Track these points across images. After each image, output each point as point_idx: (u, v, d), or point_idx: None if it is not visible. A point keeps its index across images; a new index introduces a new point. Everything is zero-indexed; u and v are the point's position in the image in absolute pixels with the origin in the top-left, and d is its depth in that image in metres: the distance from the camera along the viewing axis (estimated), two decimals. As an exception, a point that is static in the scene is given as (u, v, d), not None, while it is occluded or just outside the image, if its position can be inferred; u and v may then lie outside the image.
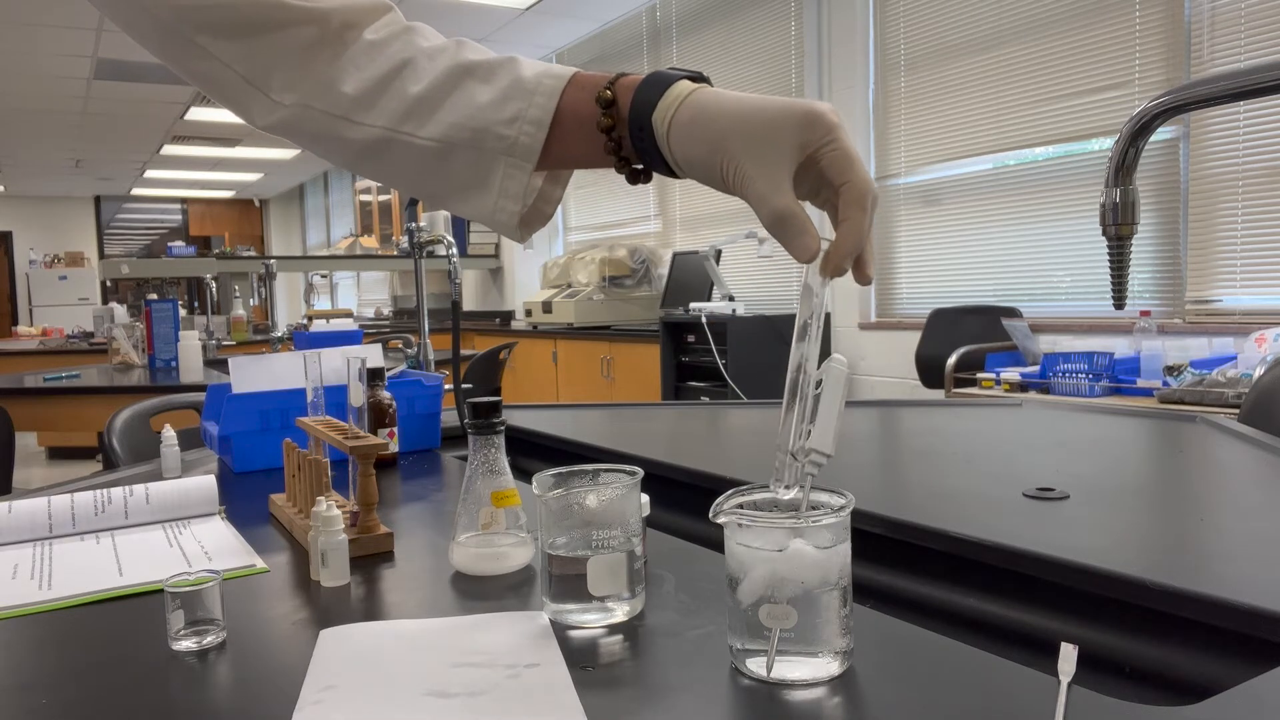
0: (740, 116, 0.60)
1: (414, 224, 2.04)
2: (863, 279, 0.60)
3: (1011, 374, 3.19)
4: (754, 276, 5.18)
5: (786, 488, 0.56)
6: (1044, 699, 0.50)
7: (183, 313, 5.05)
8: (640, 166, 0.67)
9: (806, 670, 0.54)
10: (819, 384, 0.56)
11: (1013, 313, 3.69)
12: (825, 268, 0.57)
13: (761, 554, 0.54)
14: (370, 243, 10.50)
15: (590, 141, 0.66)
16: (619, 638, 0.63)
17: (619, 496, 0.65)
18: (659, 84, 0.63)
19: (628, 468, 0.67)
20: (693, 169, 0.62)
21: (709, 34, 5.53)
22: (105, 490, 0.97)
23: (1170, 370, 2.85)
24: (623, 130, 0.65)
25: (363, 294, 11.50)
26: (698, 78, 0.64)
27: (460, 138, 0.68)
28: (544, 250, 7.07)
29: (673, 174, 0.65)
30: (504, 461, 0.79)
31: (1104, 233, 0.98)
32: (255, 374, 1.25)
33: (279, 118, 0.71)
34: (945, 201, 4.17)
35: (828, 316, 4.54)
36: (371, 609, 0.70)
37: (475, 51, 0.71)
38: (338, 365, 1.20)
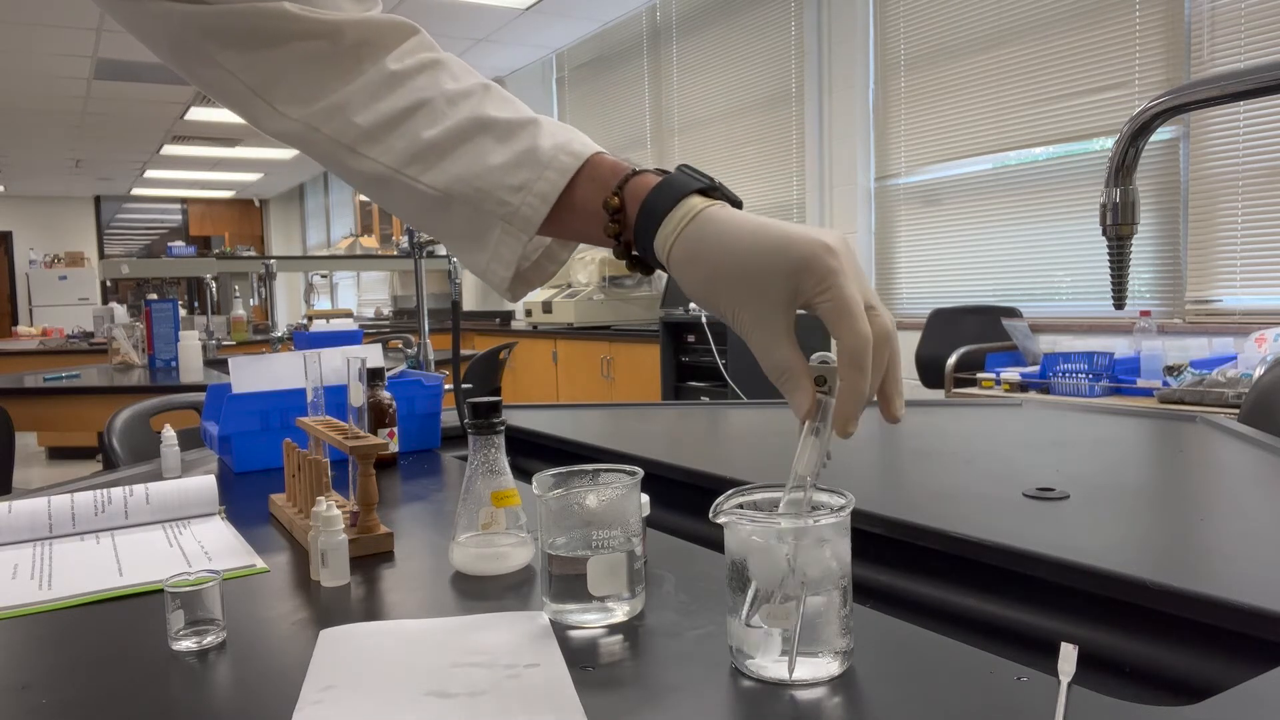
0: (734, 257, 0.57)
1: (414, 224, 2.03)
2: (890, 418, 0.57)
3: (1011, 374, 3.19)
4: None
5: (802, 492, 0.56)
6: (1044, 699, 0.50)
7: (183, 313, 5.05)
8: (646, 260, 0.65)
9: (806, 670, 0.54)
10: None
11: (1013, 313, 3.69)
12: (834, 427, 0.55)
13: (762, 554, 0.54)
14: (370, 243, 10.50)
15: (595, 231, 0.65)
16: (619, 638, 0.63)
17: (619, 496, 0.65)
18: (666, 198, 0.60)
19: (628, 468, 0.67)
20: (695, 301, 0.60)
21: (709, 34, 5.53)
22: (105, 490, 0.97)
23: (1170, 370, 2.85)
24: (629, 237, 0.63)
25: (363, 294, 11.51)
26: (710, 190, 0.61)
27: (462, 192, 0.67)
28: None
29: None
30: (504, 461, 0.79)
31: (1104, 233, 0.98)
32: (255, 374, 1.25)
33: (286, 129, 0.70)
34: (945, 201, 4.18)
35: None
36: (371, 609, 0.70)
37: (499, 106, 0.69)
38: (338, 365, 1.20)
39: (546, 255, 0.73)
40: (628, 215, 0.62)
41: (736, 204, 0.62)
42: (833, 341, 0.55)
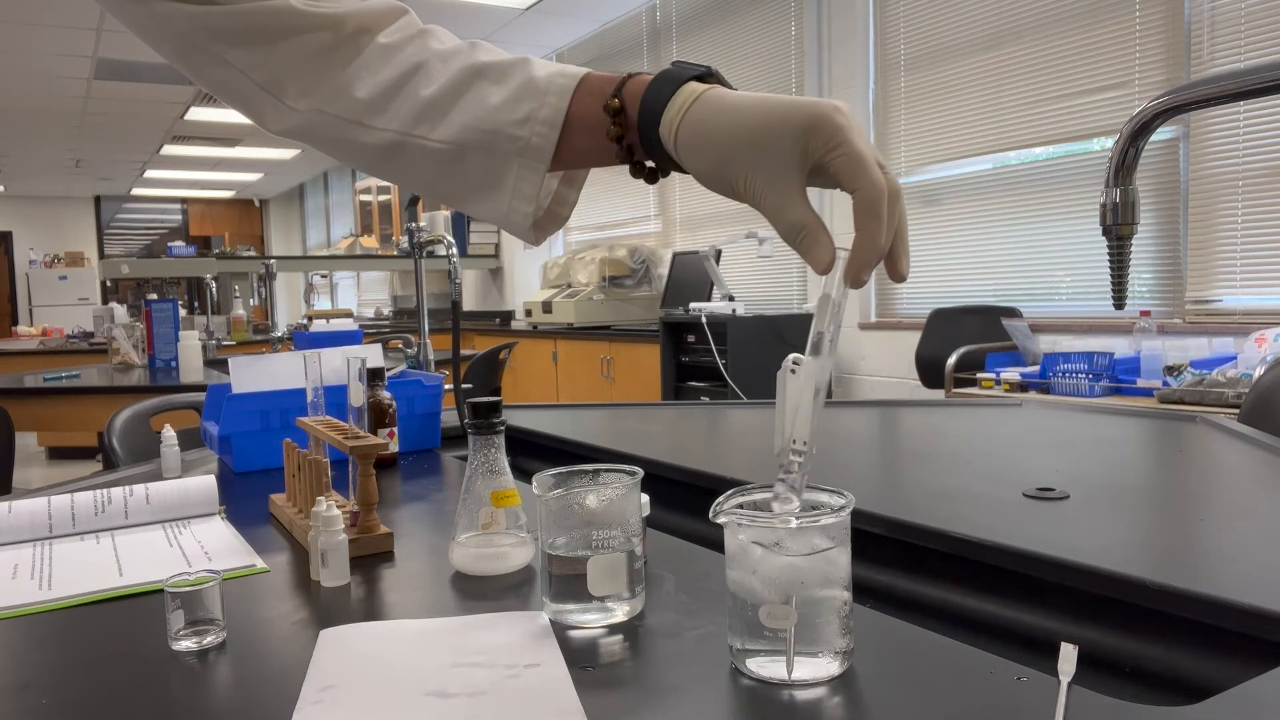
0: (743, 126, 0.58)
1: (414, 224, 2.04)
2: (895, 276, 0.57)
3: (1011, 374, 3.19)
4: (754, 276, 5.18)
5: (792, 488, 0.56)
6: (1044, 699, 0.50)
7: (183, 313, 5.05)
8: (654, 165, 0.66)
9: (806, 670, 0.54)
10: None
11: (1013, 313, 3.69)
12: (845, 278, 0.55)
13: (761, 554, 0.54)
14: (370, 243, 10.50)
15: (601, 145, 0.66)
16: (619, 638, 0.63)
17: (619, 496, 0.65)
18: (665, 88, 0.62)
19: (628, 468, 0.67)
20: (703, 179, 0.61)
21: (709, 34, 5.53)
22: (105, 490, 0.97)
23: (1170, 370, 2.85)
24: (632, 138, 0.64)
25: (363, 294, 11.50)
26: (706, 75, 0.63)
27: (472, 140, 0.68)
28: (544, 250, 7.07)
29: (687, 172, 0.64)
30: (504, 461, 0.79)
31: (1104, 233, 0.98)
32: (255, 374, 1.25)
33: (294, 123, 0.71)
34: (945, 201, 4.17)
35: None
36: (371, 609, 0.70)
37: (488, 53, 0.71)
38: (338, 365, 1.20)
39: (557, 200, 0.74)
40: (628, 115, 0.63)
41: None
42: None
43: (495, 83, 0.68)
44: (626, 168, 0.67)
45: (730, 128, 0.58)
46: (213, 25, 0.68)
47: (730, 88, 0.62)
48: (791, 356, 0.56)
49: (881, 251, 0.55)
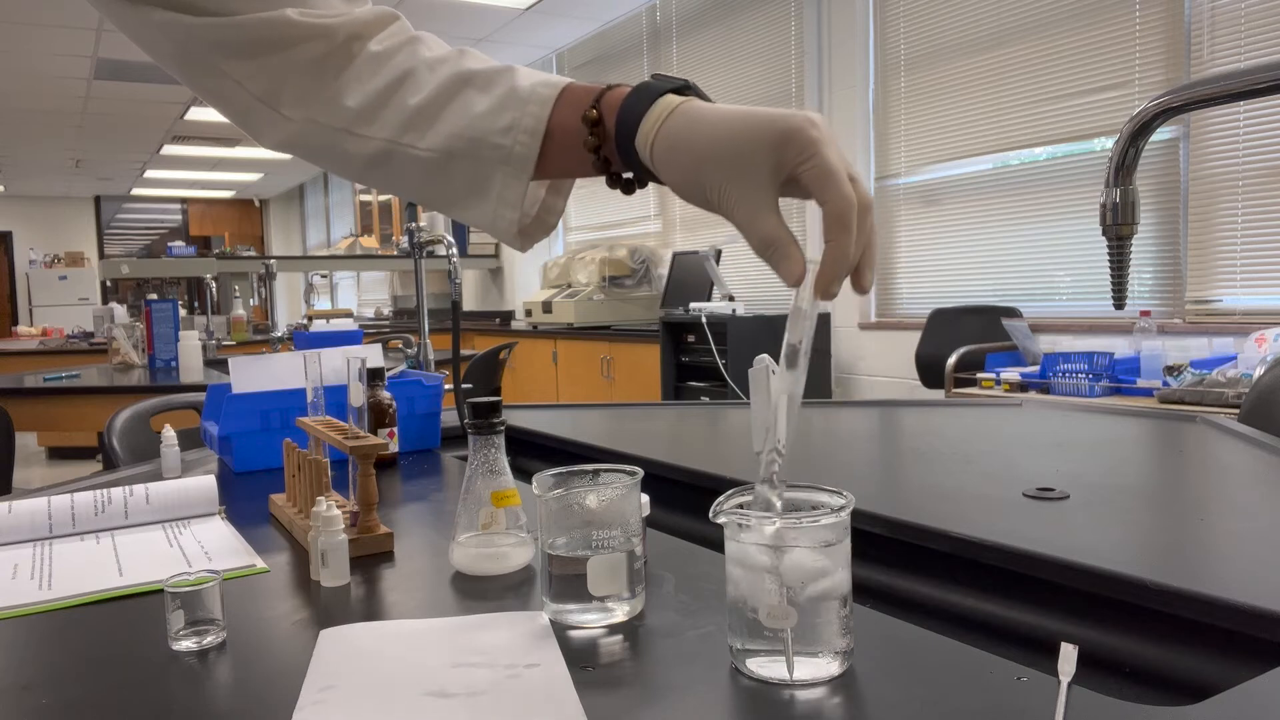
0: (716, 139, 0.58)
1: (414, 224, 2.04)
2: (859, 288, 0.58)
3: (1011, 374, 3.19)
4: (754, 276, 5.18)
5: (772, 486, 0.56)
6: (1044, 699, 0.50)
7: (183, 313, 5.05)
8: (631, 176, 0.66)
9: (806, 670, 0.54)
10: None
11: (1013, 313, 3.69)
12: (815, 290, 0.56)
13: (762, 554, 0.54)
14: (370, 243, 10.50)
15: (581, 156, 0.66)
16: (619, 638, 0.63)
17: (619, 496, 0.65)
18: (642, 100, 0.62)
19: (628, 468, 0.67)
20: (678, 190, 0.61)
21: (709, 34, 5.53)
22: (105, 490, 0.97)
23: (1170, 370, 2.85)
24: (609, 150, 0.65)
25: (363, 294, 11.50)
26: (683, 89, 0.63)
27: (458, 147, 0.69)
28: (544, 250, 7.07)
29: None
30: (504, 461, 0.79)
31: (1104, 233, 0.98)
32: (255, 374, 1.25)
33: (288, 133, 0.71)
34: (945, 201, 4.18)
35: (826, 317, 4.54)
36: (371, 609, 0.70)
37: (476, 60, 0.71)
38: (338, 365, 1.20)
39: (544, 208, 0.75)
40: (606, 126, 0.64)
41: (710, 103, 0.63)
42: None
43: (481, 90, 0.69)
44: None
45: (705, 139, 0.59)
46: (210, 36, 0.68)
47: (709, 101, 0.62)
48: (762, 357, 0.56)
49: (851, 264, 0.55)
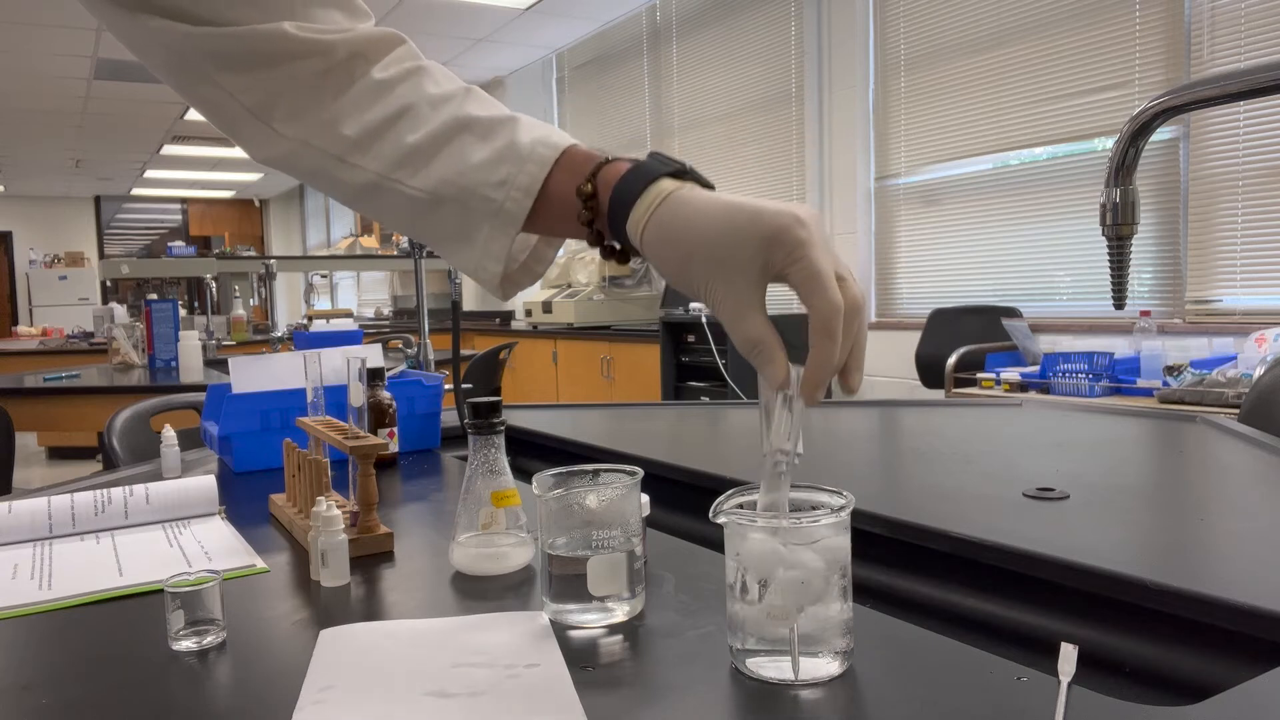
0: (705, 234, 0.57)
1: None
2: (846, 390, 0.57)
3: (1011, 374, 3.19)
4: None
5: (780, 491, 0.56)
6: (1044, 699, 0.50)
7: (183, 313, 5.05)
8: (621, 247, 0.66)
9: (807, 670, 0.54)
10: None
11: (1013, 313, 3.69)
12: (801, 394, 0.55)
13: (762, 554, 0.54)
14: (370, 243, 10.50)
15: (573, 223, 0.66)
16: (619, 638, 0.63)
17: (619, 496, 0.65)
18: (638, 182, 0.61)
19: (628, 468, 0.67)
20: (667, 279, 0.61)
21: (709, 34, 5.53)
22: (105, 490, 0.97)
23: (1170, 370, 2.85)
24: (602, 225, 0.64)
25: (363, 294, 11.50)
26: (680, 173, 0.62)
27: (448, 193, 0.68)
28: (544, 250, 7.06)
29: None
30: (504, 461, 0.79)
31: (1104, 233, 0.98)
32: (255, 374, 1.25)
33: (279, 151, 0.70)
34: (945, 201, 4.18)
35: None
36: (371, 609, 0.70)
37: (480, 105, 0.70)
38: (338, 365, 1.20)
39: (534, 257, 0.74)
40: (600, 202, 0.64)
41: (708, 188, 0.62)
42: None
43: (480, 139, 0.68)
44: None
45: (694, 233, 0.58)
46: (205, 45, 0.68)
47: (708, 186, 0.62)
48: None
49: (835, 369, 0.55)
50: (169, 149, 9.71)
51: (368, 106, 0.69)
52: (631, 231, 0.61)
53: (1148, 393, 2.82)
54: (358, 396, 0.88)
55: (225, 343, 5.20)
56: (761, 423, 0.57)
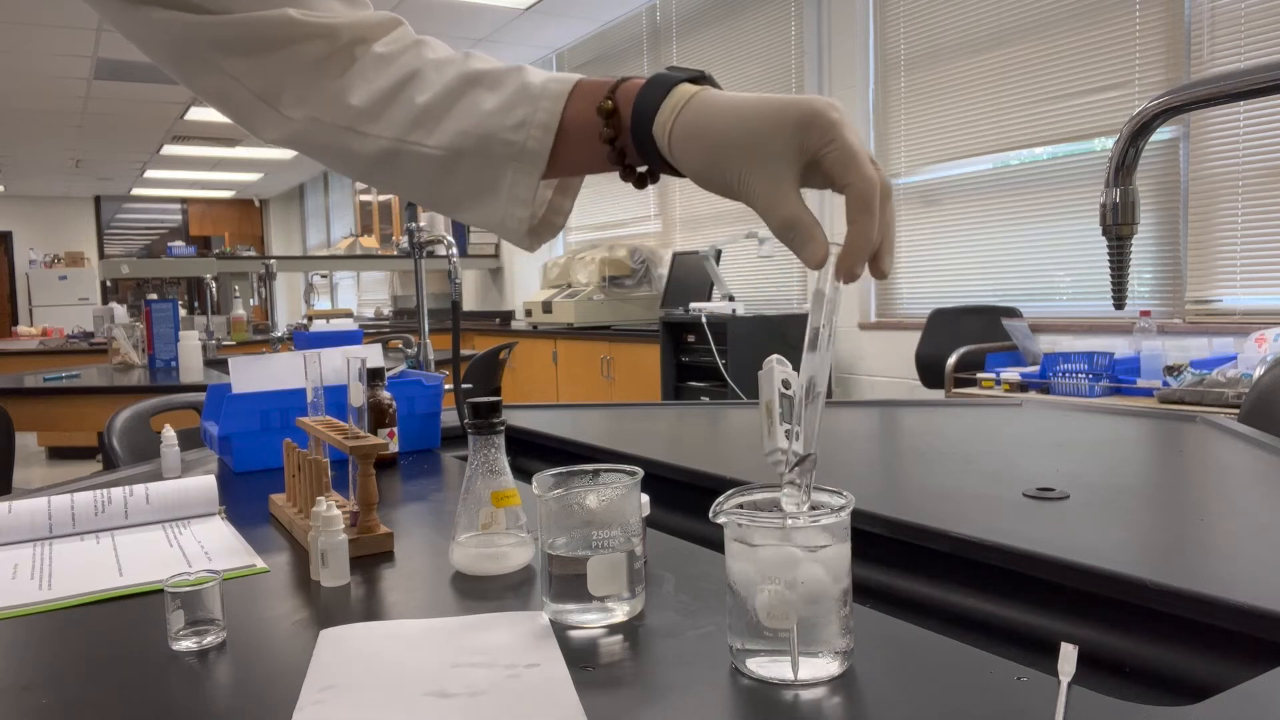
0: (737, 123, 0.58)
1: (414, 224, 2.04)
2: (878, 273, 0.58)
3: (1011, 374, 3.19)
4: (754, 276, 5.18)
5: (797, 487, 0.56)
6: (1044, 699, 0.50)
7: (183, 313, 5.05)
8: (645, 169, 0.66)
9: (807, 670, 0.54)
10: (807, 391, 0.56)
11: (1013, 313, 3.69)
12: (836, 273, 0.56)
13: (762, 554, 0.54)
14: (370, 243, 10.50)
15: (595, 150, 0.66)
16: (619, 638, 0.63)
17: (619, 496, 0.65)
18: (658, 90, 0.62)
19: (628, 468, 0.67)
20: (697, 178, 0.61)
21: (709, 34, 5.53)
22: (105, 490, 0.97)
23: (1170, 370, 2.85)
24: (625, 141, 0.64)
25: (363, 294, 11.50)
26: (699, 78, 0.63)
27: (467, 145, 0.68)
28: (544, 251, 7.07)
29: (680, 174, 0.64)
30: (504, 461, 0.79)
31: (1104, 233, 0.98)
32: (255, 374, 1.25)
33: (288, 131, 0.71)
34: (945, 201, 4.17)
35: (828, 316, 4.53)
36: (371, 609, 0.70)
37: (483, 61, 0.71)
38: (338, 365, 1.20)
39: (551, 209, 0.74)
40: (621, 116, 0.64)
41: None
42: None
43: (490, 89, 0.69)
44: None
45: (724, 126, 0.59)
46: (208, 34, 0.68)
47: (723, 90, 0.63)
48: (774, 357, 0.56)
49: (873, 246, 0.56)
50: (169, 149, 9.71)
51: (374, 77, 0.70)
52: (659, 134, 0.62)
53: (1148, 393, 2.82)
54: (358, 396, 0.88)
55: (225, 343, 5.20)
56: (762, 423, 0.57)
